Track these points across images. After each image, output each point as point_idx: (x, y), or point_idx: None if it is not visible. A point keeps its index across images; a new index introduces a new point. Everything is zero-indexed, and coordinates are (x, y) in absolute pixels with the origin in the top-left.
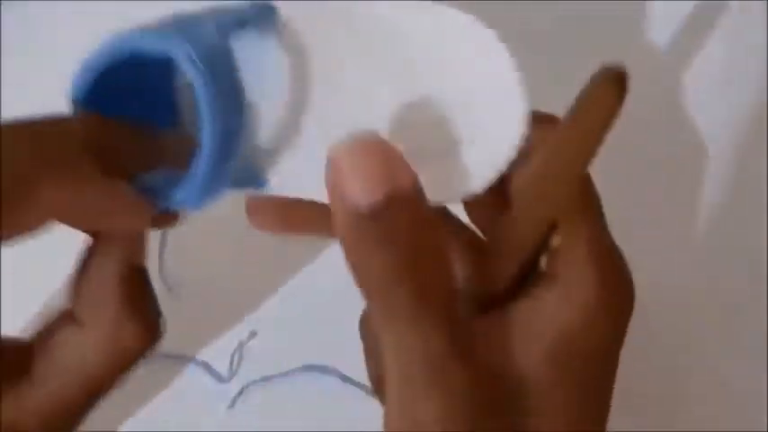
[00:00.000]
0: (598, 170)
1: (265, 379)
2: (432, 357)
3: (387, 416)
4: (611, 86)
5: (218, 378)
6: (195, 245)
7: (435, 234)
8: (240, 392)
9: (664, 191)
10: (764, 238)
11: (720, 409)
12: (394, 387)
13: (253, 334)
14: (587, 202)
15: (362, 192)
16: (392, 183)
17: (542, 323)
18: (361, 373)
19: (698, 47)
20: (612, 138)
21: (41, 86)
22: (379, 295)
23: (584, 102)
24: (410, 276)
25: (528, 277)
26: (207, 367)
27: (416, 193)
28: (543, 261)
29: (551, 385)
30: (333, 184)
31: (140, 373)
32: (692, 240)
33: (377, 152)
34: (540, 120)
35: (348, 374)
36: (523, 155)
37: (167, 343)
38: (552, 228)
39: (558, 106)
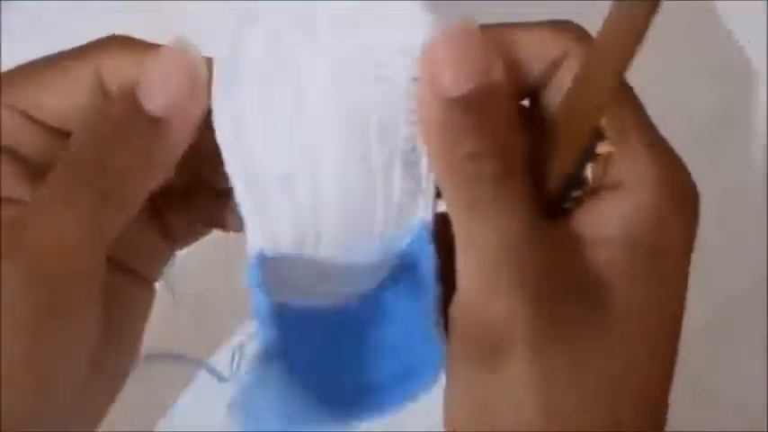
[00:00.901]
0: None
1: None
2: (513, 243)
3: (456, 307)
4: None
5: (219, 378)
6: (196, 245)
7: (518, 131)
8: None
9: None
10: (765, 239)
11: (720, 409)
12: (467, 276)
13: (253, 334)
14: (634, 105)
15: (455, 79)
16: (486, 76)
17: (611, 226)
18: None
19: (697, 47)
20: None
21: None
22: (461, 183)
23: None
24: (494, 166)
25: (577, 192)
26: (207, 367)
27: (506, 88)
28: (591, 173)
29: (628, 283)
30: (426, 69)
31: (141, 374)
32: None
33: (474, 43)
34: (570, 30)
35: None
36: (557, 67)
37: (168, 343)
38: (598, 136)
39: None
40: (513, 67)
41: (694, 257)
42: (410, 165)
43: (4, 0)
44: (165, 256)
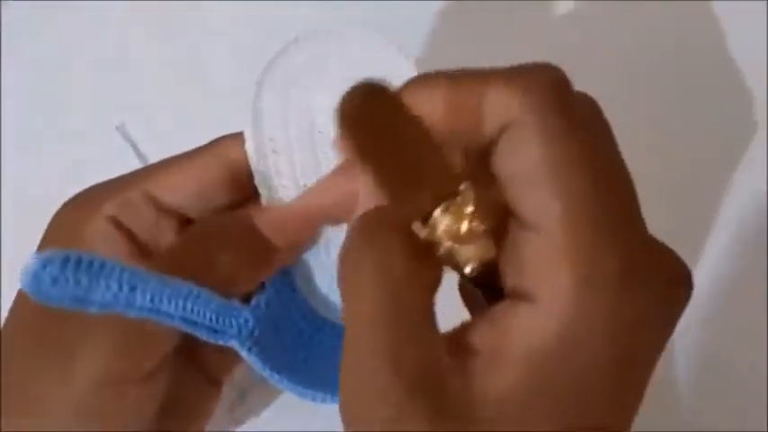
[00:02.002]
0: None
1: (266, 379)
2: (374, 364)
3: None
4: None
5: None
6: None
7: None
8: (241, 392)
9: (663, 190)
10: (765, 238)
11: (720, 409)
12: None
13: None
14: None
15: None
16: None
17: (510, 345)
18: None
19: (695, 46)
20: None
21: (42, 86)
22: (349, 296)
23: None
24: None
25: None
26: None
27: (387, 212)
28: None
29: (516, 420)
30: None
31: None
32: (690, 238)
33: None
34: (529, 90)
35: None
36: (504, 131)
37: None
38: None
39: None
40: (470, 120)
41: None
42: None
43: (5, 0)
44: (237, 362)
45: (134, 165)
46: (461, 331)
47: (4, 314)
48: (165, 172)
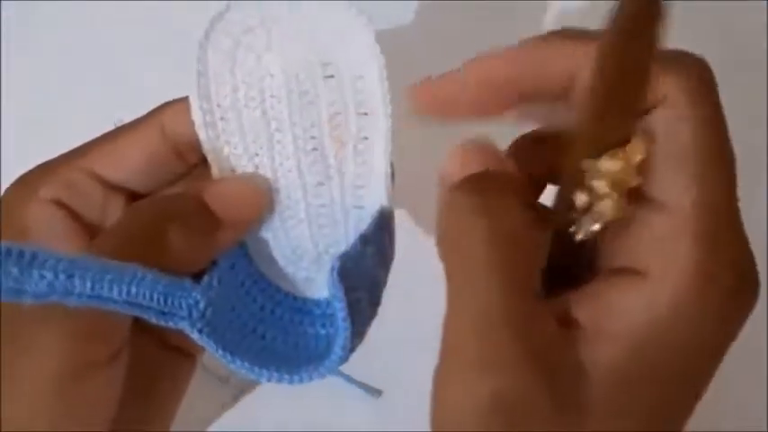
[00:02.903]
0: None
1: None
2: (486, 325)
3: (434, 386)
4: None
5: (219, 378)
6: None
7: (511, 210)
8: (240, 393)
9: None
10: (765, 238)
11: (720, 409)
12: (444, 358)
13: None
14: (699, 170)
15: (460, 171)
16: (485, 164)
17: (617, 319)
18: (363, 373)
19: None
20: None
21: (42, 86)
22: (443, 260)
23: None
24: (483, 236)
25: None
26: (207, 367)
27: (503, 176)
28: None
29: (619, 392)
30: (445, 168)
31: None
32: None
33: (488, 153)
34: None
35: (350, 374)
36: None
37: None
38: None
39: None
40: (540, 80)
41: None
42: (362, 152)
43: (5, 0)
44: None
45: None
46: (562, 305)
47: None
48: (105, 147)
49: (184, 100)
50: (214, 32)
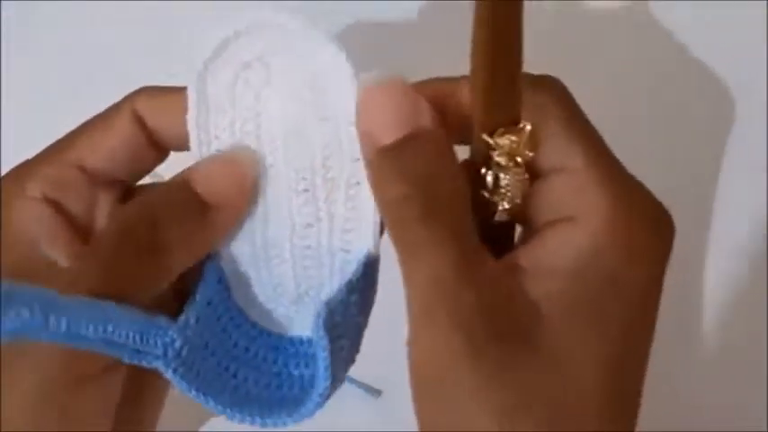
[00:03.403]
0: None
1: None
2: (442, 283)
3: (409, 347)
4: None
5: None
6: None
7: (452, 171)
8: None
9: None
10: (764, 238)
11: (720, 409)
12: (411, 318)
13: None
14: (586, 137)
15: (386, 128)
16: (414, 122)
17: (557, 258)
18: (363, 373)
19: (696, 47)
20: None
21: (42, 86)
22: (394, 225)
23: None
24: (419, 208)
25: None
26: None
27: (436, 132)
28: (491, 179)
29: (565, 314)
30: (361, 116)
31: None
32: (690, 239)
33: (401, 95)
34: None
35: (350, 374)
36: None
37: None
38: (486, 145)
39: None
40: (458, 110)
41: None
42: (353, 197)
43: (5, 0)
44: None
45: None
46: (509, 260)
47: None
48: (82, 137)
49: (156, 88)
50: (213, 65)
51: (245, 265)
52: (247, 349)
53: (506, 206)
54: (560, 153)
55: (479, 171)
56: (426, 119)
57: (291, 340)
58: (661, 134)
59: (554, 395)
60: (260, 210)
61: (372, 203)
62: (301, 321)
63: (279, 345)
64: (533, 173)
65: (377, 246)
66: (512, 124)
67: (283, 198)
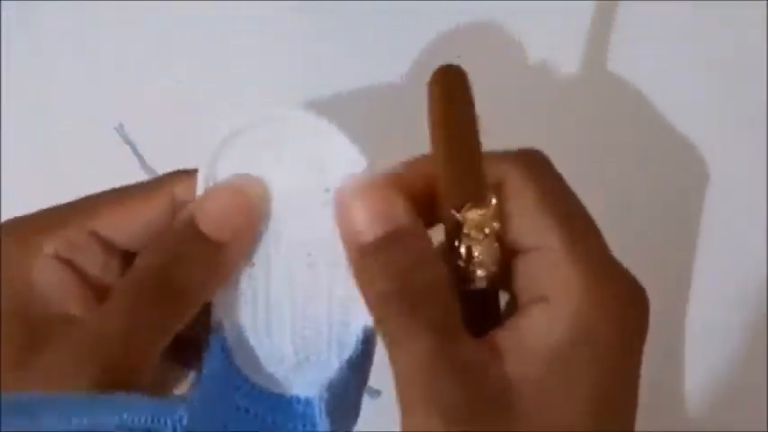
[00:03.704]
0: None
1: None
2: (422, 369)
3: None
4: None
5: None
6: None
7: (429, 260)
8: None
9: (663, 193)
10: (764, 239)
11: (720, 409)
12: (400, 401)
13: None
14: (560, 217)
15: (365, 228)
16: (394, 222)
17: (530, 339)
18: None
19: (696, 48)
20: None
21: (42, 86)
22: (378, 319)
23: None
24: (398, 304)
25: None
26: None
27: (411, 226)
28: (464, 251)
29: (541, 397)
30: (341, 218)
31: None
32: (691, 240)
33: (380, 193)
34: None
35: None
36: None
37: None
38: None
39: None
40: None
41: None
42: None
43: (5, 0)
44: (182, 376)
45: (133, 165)
46: (489, 341)
47: None
48: (110, 209)
49: (193, 173)
50: (224, 150)
51: (247, 333)
52: (248, 411)
53: (482, 274)
54: (535, 230)
55: (453, 243)
56: (402, 215)
57: (290, 401)
58: (661, 133)
59: None
60: (263, 282)
61: None
62: (301, 383)
63: (278, 405)
64: (513, 249)
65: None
66: (479, 198)
67: (286, 274)
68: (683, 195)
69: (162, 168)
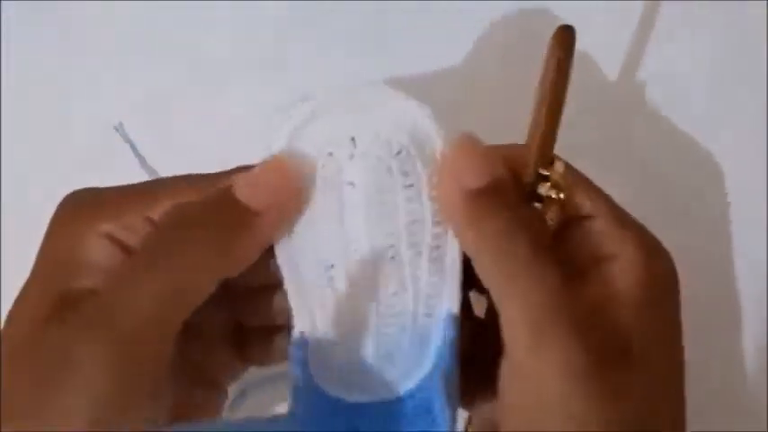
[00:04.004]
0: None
1: (266, 379)
2: (554, 307)
3: (509, 366)
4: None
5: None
6: None
7: (537, 213)
8: (240, 393)
9: (662, 195)
10: (764, 240)
11: (720, 409)
12: (520, 339)
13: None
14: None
15: (475, 175)
16: (497, 173)
17: (621, 289)
18: None
19: (696, 48)
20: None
21: (42, 86)
22: (497, 256)
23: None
24: (523, 233)
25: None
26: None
27: (510, 178)
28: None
29: (642, 332)
30: (450, 171)
31: None
32: (692, 241)
33: (482, 147)
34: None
35: None
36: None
37: None
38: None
39: None
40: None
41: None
42: (435, 260)
43: (5, 0)
44: (240, 371)
45: (132, 165)
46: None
47: (4, 315)
48: (169, 197)
49: (257, 170)
50: (299, 139)
51: (328, 338)
52: (350, 422)
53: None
54: (589, 201)
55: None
56: (504, 172)
57: (372, 405)
58: (658, 134)
59: (642, 412)
60: (343, 282)
61: (456, 264)
62: (379, 387)
63: (378, 410)
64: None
65: (458, 306)
66: (549, 164)
67: (369, 269)
68: (684, 195)
69: (162, 168)
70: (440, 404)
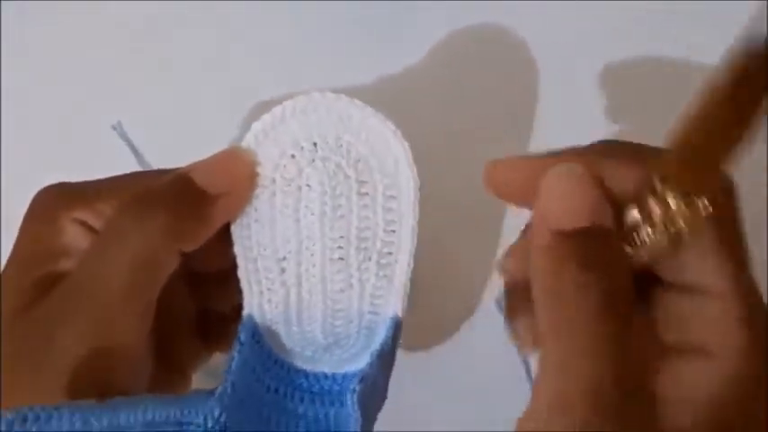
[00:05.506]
0: None
1: None
2: (599, 393)
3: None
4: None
5: (219, 378)
6: None
7: (622, 272)
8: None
9: None
10: (765, 240)
11: None
12: (544, 409)
13: None
14: (734, 263)
15: (569, 215)
16: (596, 217)
17: (696, 390)
18: None
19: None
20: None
21: (42, 86)
22: (563, 306)
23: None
24: (599, 301)
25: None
26: (207, 367)
27: (611, 231)
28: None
29: None
30: (543, 203)
31: None
32: None
33: (588, 186)
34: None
35: None
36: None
37: None
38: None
39: None
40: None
41: None
42: (385, 266)
43: (5, 0)
44: (205, 358)
45: (132, 164)
46: (650, 380)
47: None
48: (140, 185)
49: (213, 158)
50: (265, 139)
51: (278, 321)
52: (277, 390)
53: (641, 255)
54: (711, 273)
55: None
56: (607, 218)
57: (316, 376)
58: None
59: None
60: (293, 274)
61: (403, 274)
62: (328, 360)
63: (306, 382)
64: (675, 277)
65: (403, 310)
66: (697, 194)
67: (318, 266)
68: None
69: (161, 167)
70: (353, 407)
